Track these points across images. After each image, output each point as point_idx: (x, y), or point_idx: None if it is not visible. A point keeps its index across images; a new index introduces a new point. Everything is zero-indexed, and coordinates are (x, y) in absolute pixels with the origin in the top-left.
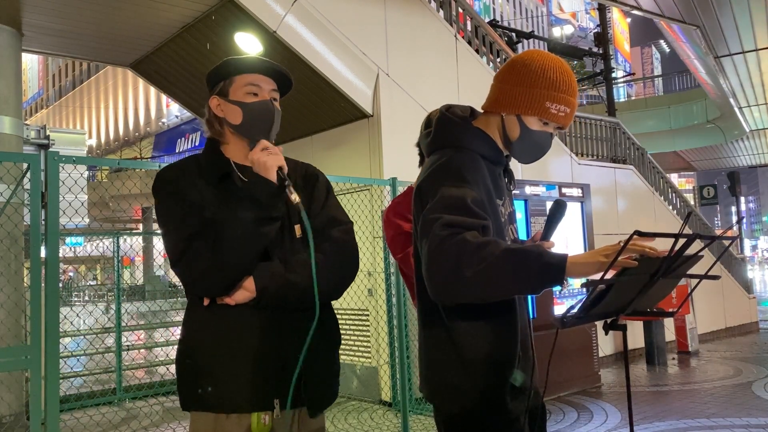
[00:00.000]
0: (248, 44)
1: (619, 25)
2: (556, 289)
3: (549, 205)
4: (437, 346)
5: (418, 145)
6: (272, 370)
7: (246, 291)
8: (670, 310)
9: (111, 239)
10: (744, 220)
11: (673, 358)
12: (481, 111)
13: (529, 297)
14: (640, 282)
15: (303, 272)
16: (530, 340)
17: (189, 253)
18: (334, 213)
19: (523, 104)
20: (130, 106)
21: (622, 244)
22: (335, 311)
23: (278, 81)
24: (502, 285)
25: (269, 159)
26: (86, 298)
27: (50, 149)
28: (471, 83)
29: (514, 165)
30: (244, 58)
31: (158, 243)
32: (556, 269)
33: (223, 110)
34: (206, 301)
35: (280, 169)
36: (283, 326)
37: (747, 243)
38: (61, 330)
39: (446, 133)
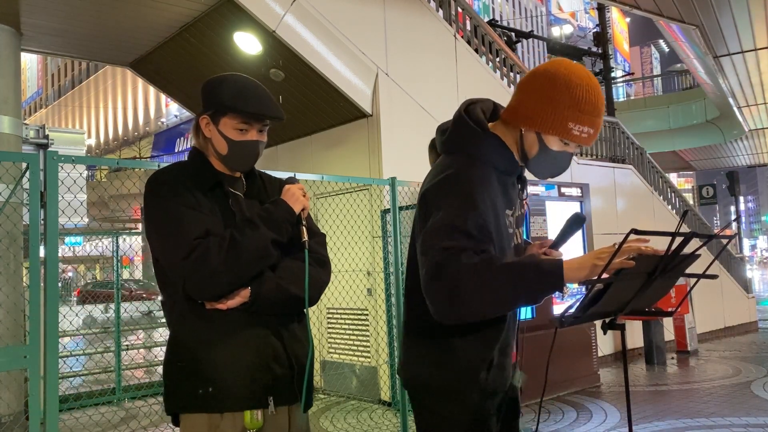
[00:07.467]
0: (247, 44)
1: (619, 24)
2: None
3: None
4: (418, 340)
5: None
6: (263, 368)
7: (239, 297)
8: (669, 309)
9: (110, 239)
10: (742, 219)
11: (672, 358)
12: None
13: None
14: (638, 281)
15: (291, 280)
16: (514, 343)
17: (198, 252)
18: (309, 225)
19: (544, 123)
20: (130, 105)
21: (617, 246)
22: (335, 310)
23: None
24: (504, 300)
25: (301, 199)
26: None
27: (49, 149)
28: (470, 83)
29: None
30: (245, 96)
31: None
32: (554, 276)
33: (211, 134)
34: (213, 305)
35: (303, 209)
36: (270, 326)
37: (746, 242)
38: (60, 330)
39: (463, 137)
